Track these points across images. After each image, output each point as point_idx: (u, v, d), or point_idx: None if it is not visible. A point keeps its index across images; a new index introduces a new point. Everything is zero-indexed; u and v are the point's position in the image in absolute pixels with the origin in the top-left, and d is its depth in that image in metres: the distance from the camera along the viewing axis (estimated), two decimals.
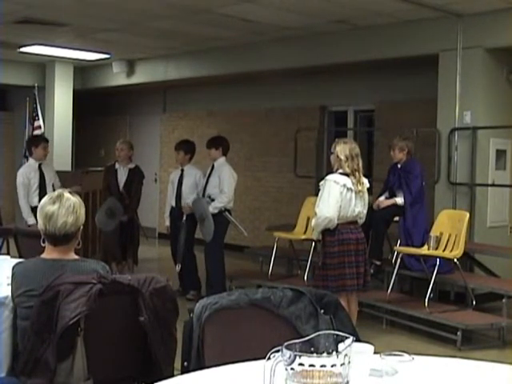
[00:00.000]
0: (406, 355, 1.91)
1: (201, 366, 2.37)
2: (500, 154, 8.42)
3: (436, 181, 8.36)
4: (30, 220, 7.65)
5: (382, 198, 7.57)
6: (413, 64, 9.17)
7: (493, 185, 8.30)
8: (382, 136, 9.88)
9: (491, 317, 6.75)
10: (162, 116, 14.02)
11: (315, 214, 5.91)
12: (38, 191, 7.92)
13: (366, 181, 6.01)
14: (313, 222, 6.07)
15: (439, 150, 8.40)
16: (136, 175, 8.32)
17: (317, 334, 1.72)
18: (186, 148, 8.28)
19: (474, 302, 6.94)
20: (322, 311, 2.58)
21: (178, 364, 2.63)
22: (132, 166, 8.36)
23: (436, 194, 8.36)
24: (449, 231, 7.10)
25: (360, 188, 5.87)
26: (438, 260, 6.79)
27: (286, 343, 1.64)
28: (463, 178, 8.24)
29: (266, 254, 8.57)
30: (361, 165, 5.93)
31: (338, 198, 5.77)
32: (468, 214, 7.23)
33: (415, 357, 1.94)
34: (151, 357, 3.00)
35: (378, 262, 7.30)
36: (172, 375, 2.90)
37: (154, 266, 10.36)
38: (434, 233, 7.14)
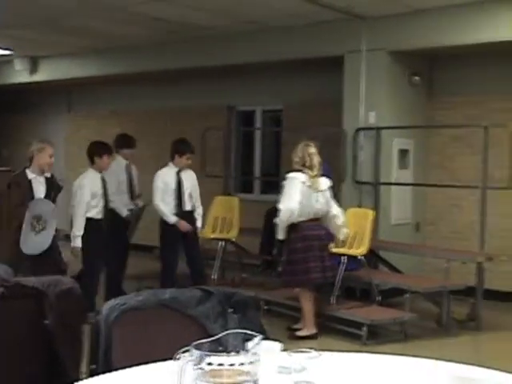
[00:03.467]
0: (313, 351, 1.94)
1: (109, 369, 2.34)
2: (403, 153, 8.67)
3: (342, 180, 8.52)
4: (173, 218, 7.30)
5: None
6: (320, 65, 9.32)
7: (396, 183, 8.53)
8: (289, 136, 9.98)
9: (395, 311, 6.95)
10: (67, 115, 13.71)
11: (279, 211, 6.26)
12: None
13: (324, 179, 6.40)
14: (277, 220, 6.34)
15: (345, 149, 8.57)
16: (53, 186, 6.81)
17: (225, 333, 1.72)
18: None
19: (379, 298, 7.12)
20: (231, 310, 2.59)
21: (85, 367, 2.58)
22: (48, 174, 6.76)
23: (342, 192, 8.52)
24: (355, 229, 7.25)
25: (316, 185, 6.28)
26: (344, 257, 6.93)
27: (194, 343, 1.63)
28: (368, 177, 8.44)
29: None
30: (315, 162, 6.30)
31: (299, 192, 6.20)
32: (373, 212, 7.41)
33: (322, 353, 1.97)
34: (57, 360, 2.93)
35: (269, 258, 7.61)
36: (79, 379, 2.84)
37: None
38: None
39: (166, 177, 7.43)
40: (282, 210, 6.26)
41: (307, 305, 6.47)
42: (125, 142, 8.16)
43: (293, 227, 6.30)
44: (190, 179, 7.54)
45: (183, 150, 7.49)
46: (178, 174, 7.44)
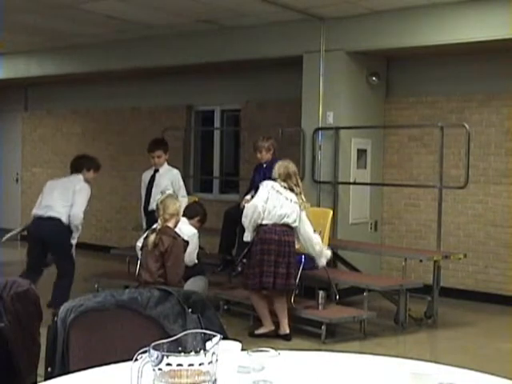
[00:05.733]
0: (272, 351, 1.94)
1: (66, 371, 2.31)
2: (361, 153, 8.74)
3: (301, 179, 8.53)
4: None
5: (248, 197, 7.65)
6: (278, 64, 9.35)
7: (354, 183, 8.60)
8: (248, 135, 10.01)
9: (353, 310, 7.00)
10: (24, 114, 13.51)
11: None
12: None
13: (293, 196, 6.45)
14: (243, 218, 6.49)
15: (304, 149, 8.61)
16: None
17: (184, 333, 1.72)
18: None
19: (338, 297, 7.17)
20: (190, 310, 2.58)
21: (41, 370, 2.55)
22: None
23: None
24: (313, 228, 7.27)
25: (286, 193, 6.38)
26: (303, 257, 6.95)
27: (153, 343, 1.62)
28: (327, 177, 8.49)
29: (132, 254, 8.43)
30: (295, 181, 6.51)
31: (266, 193, 6.36)
32: (331, 212, 7.46)
33: (281, 352, 1.98)
34: (12, 364, 2.89)
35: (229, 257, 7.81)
36: (35, 382, 2.80)
37: (16, 269, 9.95)
38: None
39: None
40: (246, 207, 6.46)
41: (259, 305, 6.54)
42: (93, 163, 7.40)
43: (257, 230, 6.38)
44: (166, 177, 7.64)
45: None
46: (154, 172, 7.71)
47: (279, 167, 6.50)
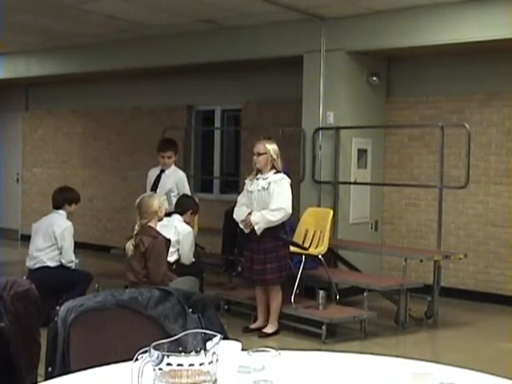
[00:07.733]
0: (272, 351, 1.94)
1: (66, 371, 2.30)
2: (361, 153, 8.74)
3: (301, 179, 8.56)
4: None
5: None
6: (279, 64, 9.34)
7: (355, 183, 8.60)
8: (248, 135, 10.00)
9: (354, 310, 7.00)
10: (24, 114, 13.51)
11: (277, 209, 6.20)
12: None
13: None
14: (271, 215, 6.23)
15: (304, 149, 8.61)
16: None
17: (184, 333, 1.72)
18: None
19: (338, 297, 7.17)
20: (190, 310, 2.58)
21: (41, 370, 2.55)
22: None
23: (301, 192, 8.56)
24: (314, 228, 7.30)
25: None
26: (303, 256, 6.96)
27: (153, 343, 1.62)
28: (327, 177, 8.49)
29: None
30: None
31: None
32: (332, 212, 7.46)
33: (282, 352, 1.98)
34: (13, 363, 2.89)
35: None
36: (35, 382, 2.80)
37: (16, 269, 9.96)
38: (299, 230, 7.32)
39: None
40: (286, 212, 6.26)
41: (280, 300, 6.51)
42: (74, 197, 7.22)
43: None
44: (172, 178, 7.58)
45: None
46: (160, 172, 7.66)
47: (275, 152, 6.33)
